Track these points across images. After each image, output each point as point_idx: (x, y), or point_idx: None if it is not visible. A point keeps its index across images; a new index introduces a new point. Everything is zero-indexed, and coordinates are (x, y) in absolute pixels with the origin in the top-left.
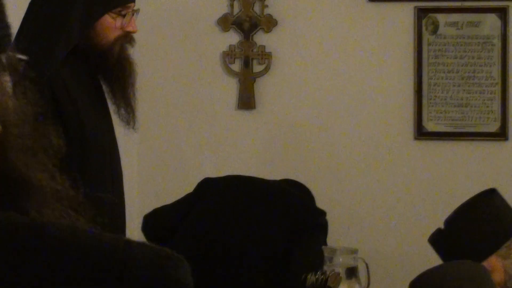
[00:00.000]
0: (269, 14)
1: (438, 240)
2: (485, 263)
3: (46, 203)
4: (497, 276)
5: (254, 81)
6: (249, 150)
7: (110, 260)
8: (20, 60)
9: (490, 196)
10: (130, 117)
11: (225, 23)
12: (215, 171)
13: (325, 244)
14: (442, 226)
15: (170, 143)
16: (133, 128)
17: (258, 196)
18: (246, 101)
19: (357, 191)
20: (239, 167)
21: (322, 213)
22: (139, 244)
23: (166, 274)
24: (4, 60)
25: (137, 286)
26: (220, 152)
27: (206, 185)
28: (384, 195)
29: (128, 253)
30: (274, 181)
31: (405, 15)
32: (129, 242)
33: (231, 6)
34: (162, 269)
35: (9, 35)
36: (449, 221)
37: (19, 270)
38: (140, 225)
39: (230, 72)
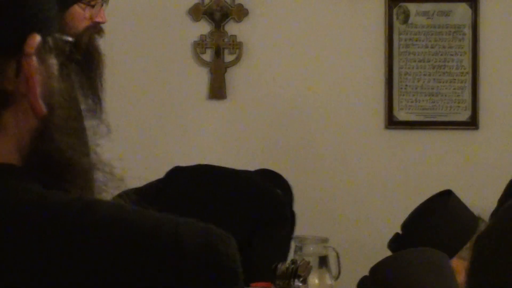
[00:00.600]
0: (240, 4)
1: (396, 245)
2: None
3: (89, 186)
4: (459, 279)
5: (225, 71)
6: (220, 140)
7: (163, 237)
8: (66, 42)
9: (446, 198)
10: (97, 106)
11: (196, 12)
12: (185, 161)
13: (290, 236)
14: (400, 231)
15: (140, 133)
16: (100, 117)
17: (224, 186)
18: (217, 91)
19: (328, 180)
20: (209, 157)
21: (288, 205)
22: (187, 221)
23: (217, 251)
24: (50, 43)
25: (191, 263)
26: (191, 142)
27: (175, 172)
28: (355, 184)
29: (178, 230)
30: (244, 172)
31: (376, 4)
32: (178, 220)
33: None
34: (213, 245)
35: (55, 17)
36: (406, 226)
37: (72, 246)
38: None
39: (201, 62)
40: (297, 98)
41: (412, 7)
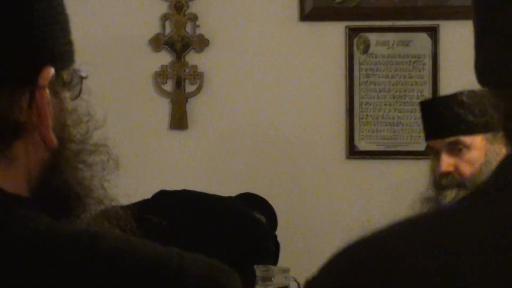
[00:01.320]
0: (201, 34)
1: None
2: (470, 138)
3: (96, 220)
4: (477, 154)
5: (186, 101)
6: (181, 170)
7: (168, 270)
8: (81, 77)
9: None
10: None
11: (156, 43)
12: (147, 191)
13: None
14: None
15: None
16: (108, 152)
17: (209, 214)
18: (178, 121)
19: (289, 209)
20: (171, 186)
21: (271, 236)
22: (191, 255)
23: (219, 285)
24: (64, 77)
25: None
26: (152, 172)
27: (161, 197)
28: (316, 213)
29: (182, 264)
30: (228, 198)
31: (337, 34)
32: (182, 253)
33: (163, 26)
34: (215, 279)
35: (71, 51)
36: None
37: (79, 277)
38: None
39: (162, 92)
40: (258, 128)
41: (372, 37)
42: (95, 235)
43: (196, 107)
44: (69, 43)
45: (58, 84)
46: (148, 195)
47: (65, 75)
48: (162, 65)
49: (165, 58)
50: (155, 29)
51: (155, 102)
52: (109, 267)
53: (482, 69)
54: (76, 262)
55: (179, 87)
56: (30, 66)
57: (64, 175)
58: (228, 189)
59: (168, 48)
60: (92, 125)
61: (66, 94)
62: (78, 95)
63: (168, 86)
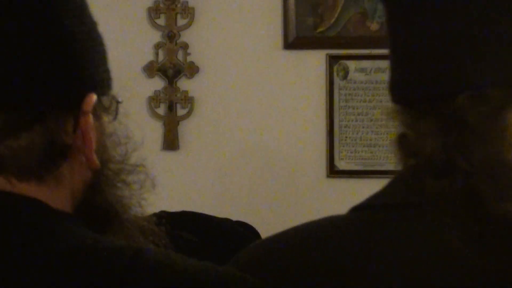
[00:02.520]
0: (192, 61)
1: None
2: None
3: (132, 236)
4: None
5: (178, 124)
6: (173, 188)
7: (205, 283)
8: (118, 102)
9: None
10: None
11: (150, 70)
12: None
13: None
14: None
15: None
16: (146, 172)
17: (213, 234)
18: (171, 142)
19: (273, 227)
20: (163, 204)
21: None
22: (226, 269)
23: None
24: (104, 102)
25: None
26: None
27: (160, 217)
28: None
29: (220, 277)
30: (227, 221)
31: (318, 61)
32: (216, 268)
33: (156, 54)
34: None
35: (109, 78)
36: None
37: None
38: None
39: (155, 115)
40: (245, 148)
41: (351, 64)
42: (138, 250)
43: (187, 130)
44: (107, 71)
45: (99, 109)
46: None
47: (105, 100)
48: (155, 90)
49: (158, 83)
50: (149, 56)
51: (149, 125)
52: (152, 280)
53: (392, 88)
54: (121, 275)
55: (171, 111)
56: (75, 93)
57: (104, 194)
58: (216, 206)
59: (161, 75)
60: (130, 146)
61: (106, 118)
62: (116, 118)
63: (161, 110)
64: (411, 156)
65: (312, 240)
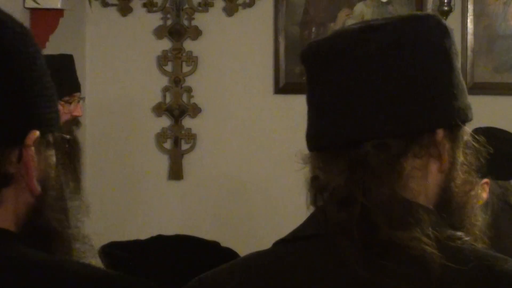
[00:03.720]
0: (195, 103)
1: None
2: None
3: (70, 253)
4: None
5: (182, 157)
6: (177, 213)
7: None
8: (65, 139)
9: None
10: (76, 187)
11: (158, 110)
12: (148, 231)
13: None
14: None
15: (113, 207)
16: (78, 194)
17: (202, 257)
18: (175, 173)
19: (261, 243)
20: (170, 226)
21: None
22: (131, 278)
23: None
24: (50, 138)
25: None
26: (153, 215)
27: (157, 241)
28: None
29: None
30: (214, 243)
31: (304, 105)
32: (125, 276)
33: (164, 96)
34: None
35: (55, 118)
36: None
37: None
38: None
39: (162, 149)
40: (240, 179)
41: None
42: (61, 261)
43: (190, 162)
44: (54, 112)
45: (43, 144)
46: (149, 233)
47: (50, 137)
48: (162, 128)
49: (165, 122)
50: (157, 98)
51: (157, 157)
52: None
53: (309, 138)
54: (43, 283)
55: (176, 146)
56: (19, 130)
57: (45, 216)
58: (214, 228)
59: (168, 114)
60: (71, 177)
61: (50, 152)
62: (64, 153)
63: (167, 144)
64: (320, 192)
65: (238, 273)
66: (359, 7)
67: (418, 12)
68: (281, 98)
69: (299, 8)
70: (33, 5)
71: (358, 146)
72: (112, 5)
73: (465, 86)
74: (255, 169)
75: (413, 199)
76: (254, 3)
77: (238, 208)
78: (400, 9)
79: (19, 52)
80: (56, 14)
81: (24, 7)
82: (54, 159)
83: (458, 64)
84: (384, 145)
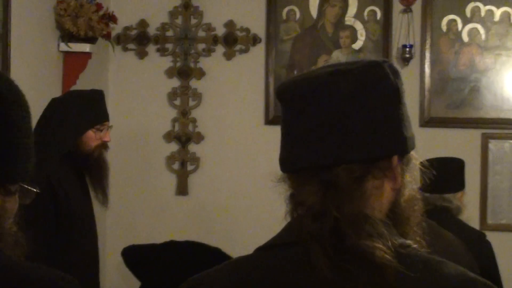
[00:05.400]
0: (199, 131)
1: None
2: None
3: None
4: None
5: (188, 176)
6: (184, 223)
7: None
8: (35, 191)
9: None
10: (104, 200)
11: (168, 137)
12: (162, 239)
13: None
14: None
15: (130, 215)
16: (106, 206)
17: (208, 260)
18: (182, 190)
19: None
20: (177, 235)
21: None
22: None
23: None
24: (11, 188)
25: None
26: (163, 224)
27: (171, 245)
28: None
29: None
30: (216, 249)
31: None
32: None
33: (173, 126)
34: None
35: (24, 173)
36: None
37: None
38: (107, 269)
39: (171, 170)
40: (237, 196)
41: None
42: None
43: (194, 181)
44: (23, 169)
45: (1, 191)
46: (160, 239)
47: (11, 187)
48: (171, 152)
49: (173, 147)
50: (167, 127)
51: (166, 176)
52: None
53: (283, 161)
54: None
55: (183, 167)
56: None
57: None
58: (216, 237)
59: (176, 141)
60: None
61: (8, 199)
62: (29, 200)
63: (176, 166)
64: (297, 206)
65: (224, 276)
66: (335, 54)
67: (376, 60)
68: (271, 128)
69: (286, 54)
70: (66, 49)
71: (329, 170)
72: (131, 49)
73: (410, 119)
74: (248, 186)
75: (371, 213)
76: (249, 49)
77: (233, 218)
78: (369, 56)
79: (13, 119)
80: (85, 56)
81: (59, 50)
82: (11, 205)
83: (405, 100)
84: (351, 169)
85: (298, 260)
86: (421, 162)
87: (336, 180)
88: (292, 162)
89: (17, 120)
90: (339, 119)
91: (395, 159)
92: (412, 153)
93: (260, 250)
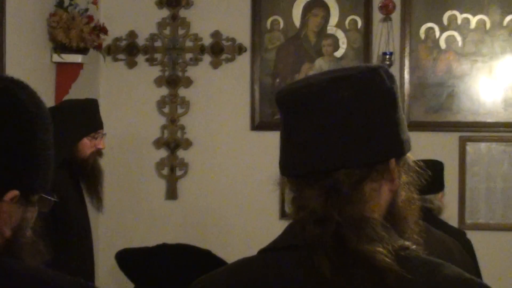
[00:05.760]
0: (187, 138)
1: None
2: None
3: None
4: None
5: (177, 181)
6: (173, 226)
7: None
8: (54, 200)
9: None
10: (99, 205)
11: (158, 143)
12: (151, 239)
13: None
14: None
15: (122, 219)
16: (100, 211)
17: (200, 262)
18: (171, 194)
19: (237, 252)
20: (167, 238)
21: None
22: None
23: None
24: (32, 199)
25: None
26: (154, 227)
27: (163, 248)
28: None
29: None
30: (207, 251)
31: (274, 139)
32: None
33: (162, 132)
34: None
35: (45, 184)
36: None
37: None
38: (101, 273)
39: (161, 175)
40: (223, 199)
41: None
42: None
43: (183, 185)
44: (43, 180)
45: (23, 202)
46: (151, 242)
47: (32, 197)
48: (161, 158)
49: (163, 153)
50: (157, 134)
51: (156, 182)
52: (9, 278)
53: (283, 166)
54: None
55: (172, 172)
56: (1, 187)
57: (15, 251)
58: (203, 239)
59: (165, 147)
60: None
61: (30, 208)
62: (47, 209)
63: (165, 171)
64: (299, 210)
65: (232, 276)
66: (318, 62)
67: (373, 65)
68: (256, 133)
69: (271, 63)
70: (58, 59)
71: (330, 174)
72: (121, 60)
73: (405, 121)
74: (234, 190)
75: (371, 214)
76: (234, 58)
77: (221, 221)
78: (351, 63)
79: (32, 132)
80: (77, 67)
81: (52, 61)
82: (31, 214)
83: (401, 103)
84: (350, 173)
85: (301, 263)
86: (416, 163)
87: (336, 185)
88: (292, 167)
89: (40, 132)
90: (338, 125)
91: (392, 161)
92: (408, 154)
93: (263, 252)
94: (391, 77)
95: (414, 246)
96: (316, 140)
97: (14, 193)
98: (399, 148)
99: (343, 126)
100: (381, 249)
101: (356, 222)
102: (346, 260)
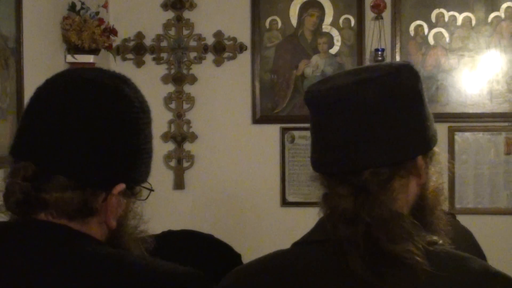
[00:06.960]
0: (193, 131)
1: None
2: None
3: (136, 248)
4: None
5: (184, 172)
6: (180, 214)
7: (180, 279)
8: (150, 190)
9: None
10: None
11: (165, 137)
12: (159, 228)
13: None
14: None
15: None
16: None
17: (203, 245)
18: (179, 184)
19: (244, 240)
20: (174, 225)
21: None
22: (195, 271)
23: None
24: (135, 190)
25: None
26: (162, 216)
27: (169, 234)
28: (258, 244)
29: (187, 275)
30: (210, 236)
31: (275, 131)
32: (178, 267)
33: (169, 127)
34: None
35: (146, 175)
36: None
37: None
38: None
39: (169, 167)
40: (228, 188)
41: (296, 133)
42: (123, 255)
43: (190, 176)
44: (145, 172)
45: (127, 194)
46: (159, 230)
47: (135, 188)
48: (168, 151)
49: (170, 146)
50: (164, 128)
51: (164, 173)
52: (131, 275)
53: (315, 163)
54: (105, 270)
55: (179, 164)
56: (111, 181)
57: (121, 239)
58: (209, 227)
59: (173, 140)
60: (141, 220)
61: (133, 200)
62: (146, 199)
63: (173, 163)
64: (330, 209)
65: (267, 267)
66: (314, 59)
67: (397, 64)
68: (257, 127)
69: (270, 60)
70: (72, 60)
71: (359, 174)
72: (130, 59)
73: (431, 114)
74: (237, 179)
75: (400, 210)
76: (236, 56)
77: (227, 210)
78: (345, 59)
79: (136, 125)
80: (89, 66)
81: (66, 62)
82: (133, 205)
83: (426, 99)
84: (378, 173)
85: (335, 259)
86: (441, 154)
87: (365, 184)
88: (323, 166)
89: (143, 126)
90: (365, 126)
91: (420, 158)
92: (434, 148)
93: (297, 245)
94: (415, 74)
95: (440, 241)
96: (345, 140)
97: (122, 186)
98: (426, 145)
99: (369, 128)
100: (410, 247)
101: (386, 222)
102: (378, 259)
